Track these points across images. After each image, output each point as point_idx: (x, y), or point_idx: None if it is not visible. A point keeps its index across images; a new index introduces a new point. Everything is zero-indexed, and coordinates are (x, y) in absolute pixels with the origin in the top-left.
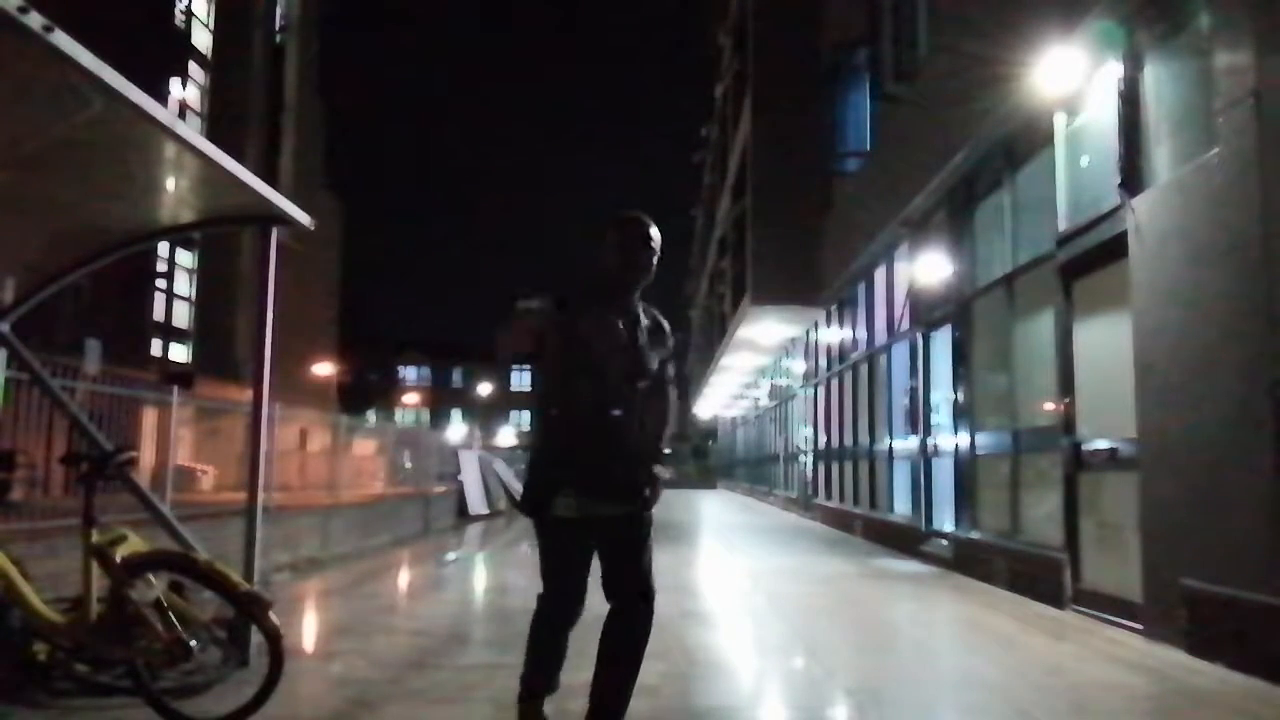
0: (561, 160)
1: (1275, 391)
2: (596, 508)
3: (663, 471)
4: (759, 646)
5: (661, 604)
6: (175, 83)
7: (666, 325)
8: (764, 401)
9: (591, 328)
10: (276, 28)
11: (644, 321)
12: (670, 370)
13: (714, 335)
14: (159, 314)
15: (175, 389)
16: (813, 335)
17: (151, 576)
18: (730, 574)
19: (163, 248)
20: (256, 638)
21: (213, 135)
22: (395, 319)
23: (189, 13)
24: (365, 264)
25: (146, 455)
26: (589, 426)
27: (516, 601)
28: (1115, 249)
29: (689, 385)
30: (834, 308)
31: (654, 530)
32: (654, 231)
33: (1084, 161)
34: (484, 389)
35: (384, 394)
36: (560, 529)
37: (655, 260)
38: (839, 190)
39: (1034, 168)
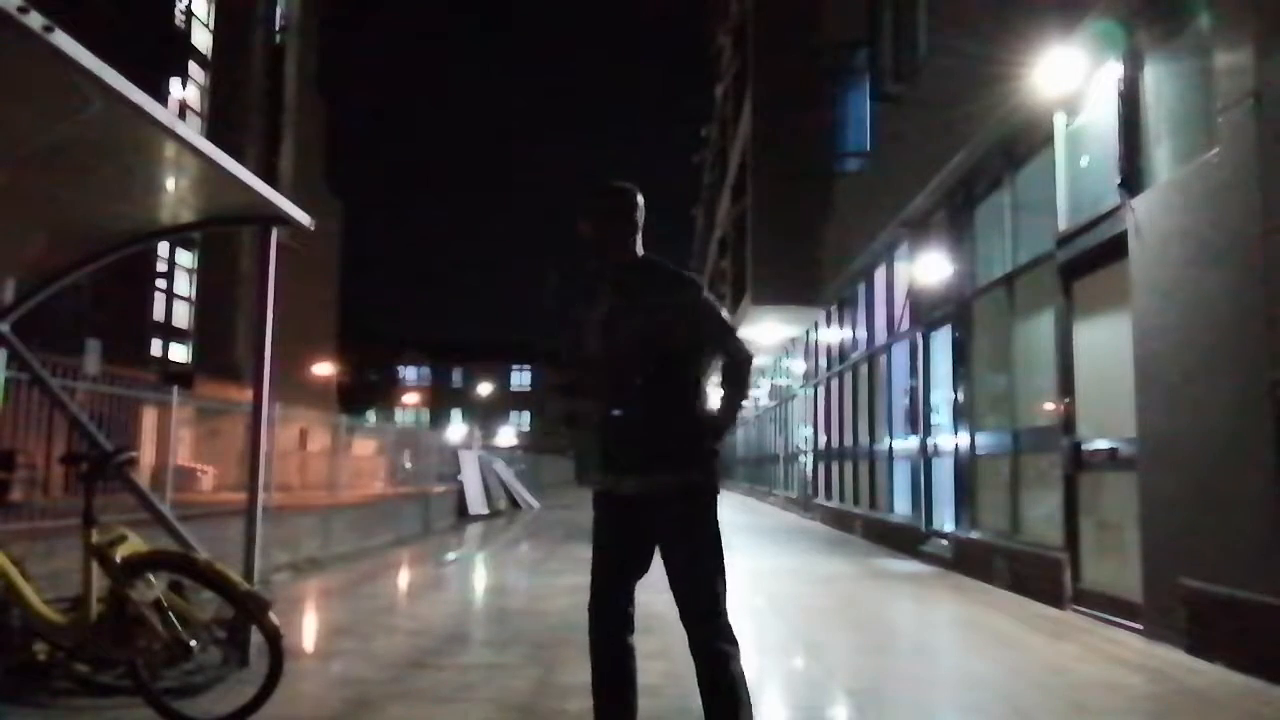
0: (561, 159)
1: (1275, 392)
2: (619, 483)
3: (713, 438)
4: (759, 646)
5: (662, 604)
6: (175, 83)
7: (679, 275)
8: (764, 401)
9: (579, 312)
10: (276, 28)
11: (638, 290)
12: (706, 325)
13: None
14: (159, 314)
15: (175, 389)
16: (813, 335)
17: (151, 576)
18: (730, 574)
19: (163, 248)
20: (256, 638)
21: (213, 135)
22: (395, 319)
23: (189, 13)
24: (365, 264)
25: (146, 455)
26: (596, 406)
27: (516, 601)
28: (1115, 249)
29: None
30: (834, 308)
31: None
32: (602, 202)
33: (1084, 161)
34: (484, 389)
35: (384, 394)
36: (597, 506)
37: (614, 226)
38: (839, 190)
39: (1034, 168)
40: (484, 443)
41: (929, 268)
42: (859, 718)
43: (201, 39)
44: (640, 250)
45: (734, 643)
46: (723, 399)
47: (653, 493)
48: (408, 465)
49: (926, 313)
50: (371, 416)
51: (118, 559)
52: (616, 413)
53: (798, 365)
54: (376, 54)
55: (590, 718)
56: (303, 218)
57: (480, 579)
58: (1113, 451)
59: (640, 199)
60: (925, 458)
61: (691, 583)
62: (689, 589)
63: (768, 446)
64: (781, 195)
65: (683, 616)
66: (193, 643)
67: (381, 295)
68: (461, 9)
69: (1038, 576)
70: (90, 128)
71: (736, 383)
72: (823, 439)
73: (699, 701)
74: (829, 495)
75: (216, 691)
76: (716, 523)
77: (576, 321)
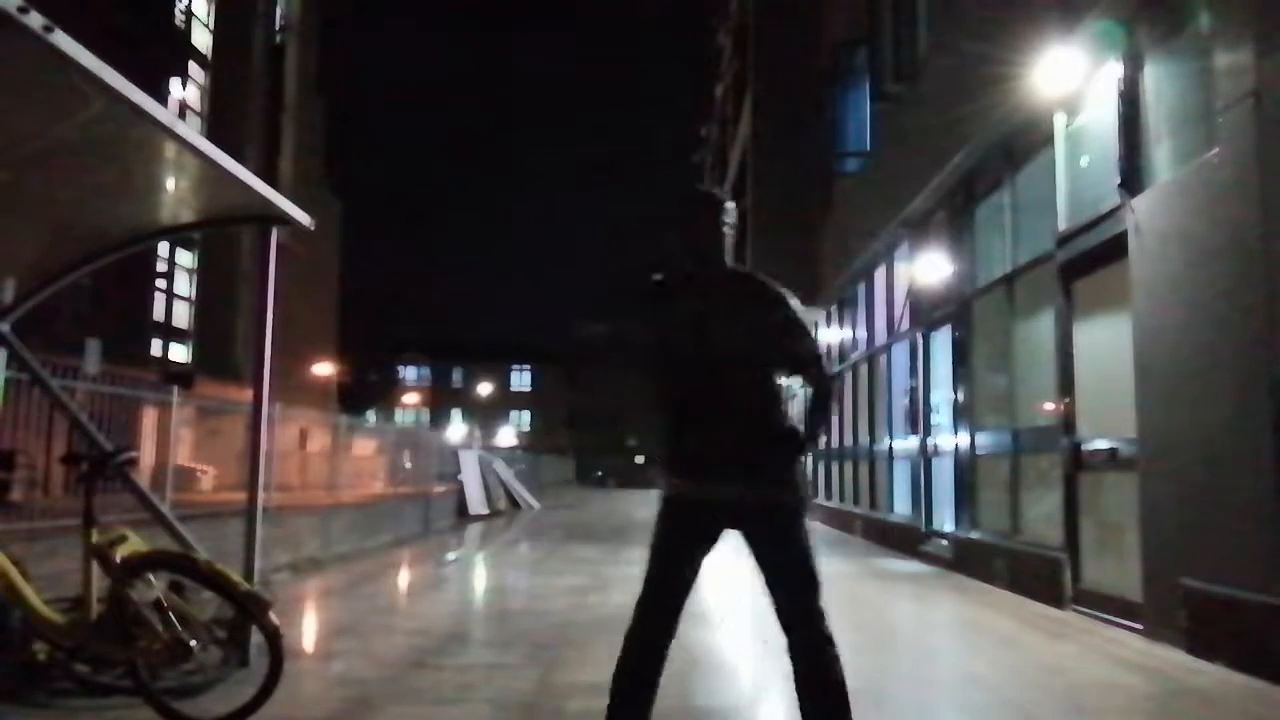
0: (560, 159)
1: (1275, 392)
2: (690, 490)
3: (799, 451)
4: (759, 646)
5: None
6: (175, 83)
7: (775, 289)
8: None
9: (655, 319)
10: (276, 28)
11: (732, 297)
12: (789, 339)
13: None
14: (159, 314)
15: (175, 389)
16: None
17: (151, 576)
18: (730, 574)
19: (163, 248)
20: (256, 638)
21: (213, 135)
22: (395, 319)
23: (189, 13)
24: (365, 264)
25: (146, 455)
26: (671, 413)
27: (516, 602)
28: (1115, 249)
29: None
30: (834, 308)
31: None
32: (698, 208)
33: (1084, 161)
34: (484, 389)
35: (384, 394)
36: (662, 509)
37: (705, 235)
38: (839, 190)
39: (1034, 168)
40: (484, 443)
41: (929, 268)
42: (859, 718)
43: (201, 39)
44: (729, 260)
45: (835, 645)
46: (808, 420)
47: (749, 501)
48: (408, 465)
49: (926, 313)
50: (371, 416)
51: (118, 559)
52: (706, 417)
53: None
54: (376, 54)
55: (590, 718)
56: (303, 218)
57: (480, 579)
58: (1113, 451)
59: (731, 205)
60: (925, 458)
61: (791, 590)
62: (789, 595)
63: None
64: (781, 195)
65: (781, 620)
66: (193, 643)
67: (381, 295)
68: (461, 8)
69: (1038, 576)
70: (90, 128)
71: (821, 407)
72: (822, 439)
73: (699, 701)
74: (829, 495)
75: (216, 691)
76: (807, 529)
77: (652, 330)
